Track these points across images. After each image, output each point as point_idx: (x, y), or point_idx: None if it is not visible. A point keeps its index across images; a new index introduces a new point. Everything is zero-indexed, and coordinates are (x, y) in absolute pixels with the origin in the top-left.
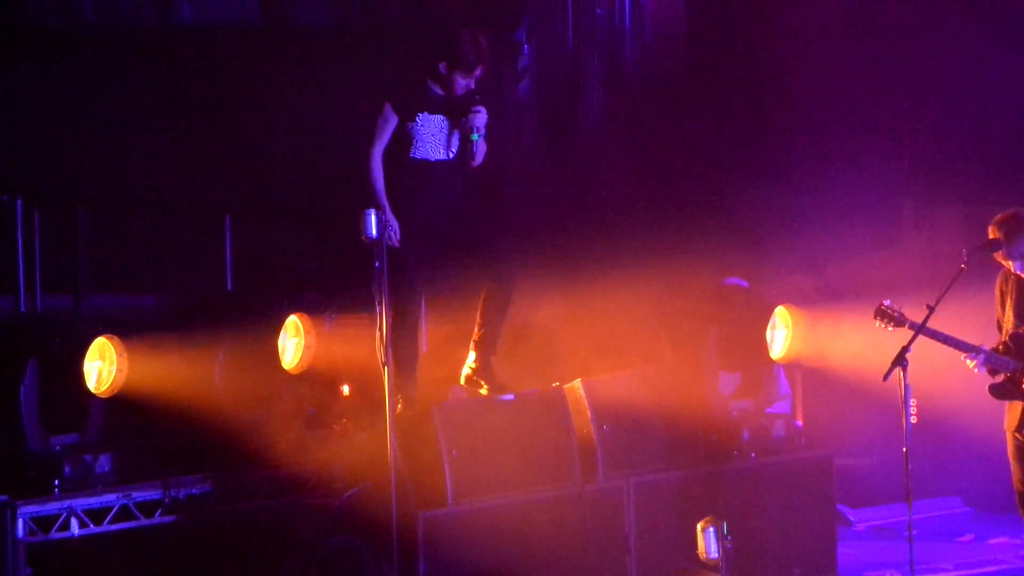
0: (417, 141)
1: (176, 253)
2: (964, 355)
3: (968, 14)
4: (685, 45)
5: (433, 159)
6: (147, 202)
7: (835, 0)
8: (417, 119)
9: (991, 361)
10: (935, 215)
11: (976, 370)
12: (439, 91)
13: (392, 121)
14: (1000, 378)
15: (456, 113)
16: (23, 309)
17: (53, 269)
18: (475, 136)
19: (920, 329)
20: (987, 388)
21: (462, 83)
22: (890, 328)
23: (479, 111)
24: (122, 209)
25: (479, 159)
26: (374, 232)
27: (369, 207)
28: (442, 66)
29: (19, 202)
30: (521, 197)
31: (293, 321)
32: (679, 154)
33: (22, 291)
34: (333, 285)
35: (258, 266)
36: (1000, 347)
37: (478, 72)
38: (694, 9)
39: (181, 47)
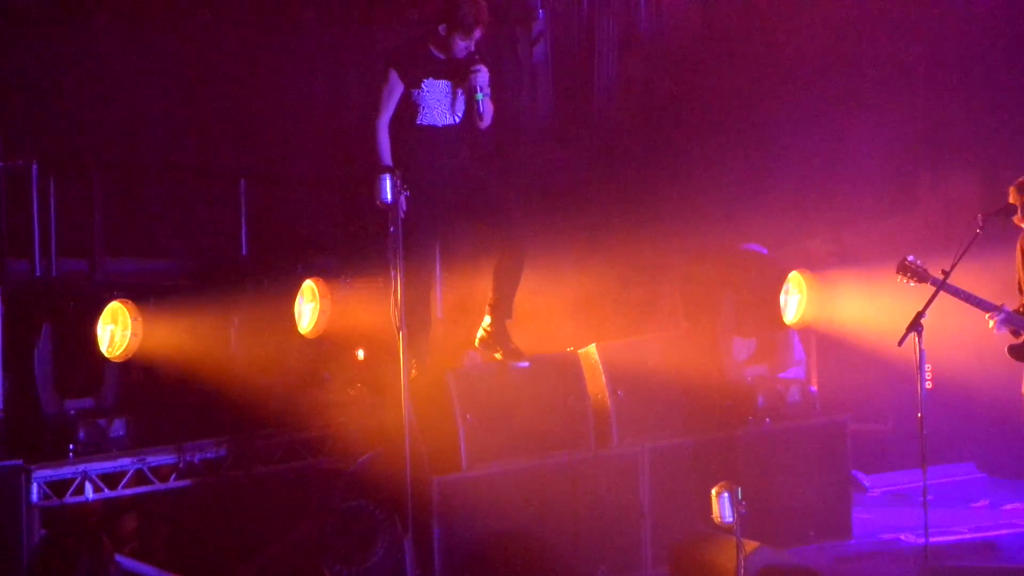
0: (423, 107)
1: (191, 218)
2: (987, 314)
3: None
4: (700, 8)
5: (440, 124)
6: (162, 167)
7: None
8: (423, 85)
9: (1012, 321)
10: (950, 180)
11: (996, 330)
12: (441, 55)
13: (398, 89)
14: (1021, 339)
15: (459, 76)
16: (38, 273)
17: (68, 234)
18: (479, 96)
19: (942, 285)
20: (1006, 349)
21: (462, 45)
22: (912, 283)
23: (479, 69)
24: (137, 174)
25: (487, 119)
26: (389, 196)
27: (383, 172)
28: (442, 28)
29: (34, 167)
30: (537, 161)
31: (308, 285)
32: (694, 118)
33: (37, 255)
34: (348, 249)
35: (273, 230)
36: (1021, 308)
37: (477, 33)
38: None
39: (196, 10)
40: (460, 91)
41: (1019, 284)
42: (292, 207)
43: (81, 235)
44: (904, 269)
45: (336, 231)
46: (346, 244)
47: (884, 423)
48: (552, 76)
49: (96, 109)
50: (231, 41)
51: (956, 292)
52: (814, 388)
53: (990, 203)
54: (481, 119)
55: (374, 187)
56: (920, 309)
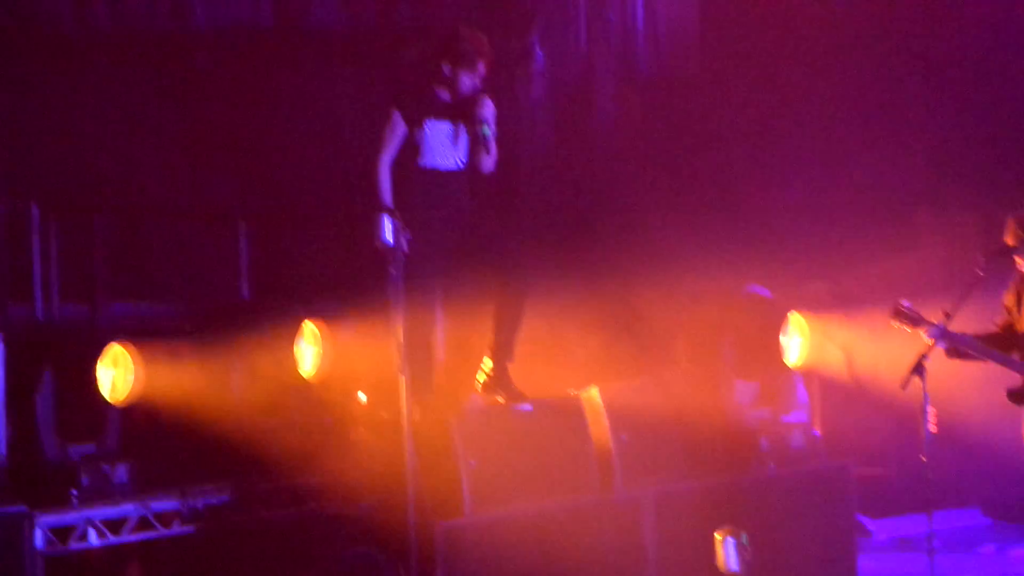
0: (425, 149)
1: (191, 260)
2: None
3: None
4: (698, 46)
5: (442, 168)
6: (162, 209)
7: (849, 3)
8: (425, 126)
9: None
10: (952, 221)
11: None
12: (445, 96)
13: (400, 129)
14: (1019, 383)
15: (464, 115)
16: (40, 317)
17: (69, 277)
18: (486, 130)
19: (942, 334)
20: (1005, 393)
21: (467, 81)
22: (907, 329)
23: (485, 103)
24: (137, 216)
25: (491, 163)
26: (389, 238)
27: (383, 213)
28: (446, 67)
29: (35, 209)
30: (535, 200)
31: (310, 328)
32: (693, 157)
33: (38, 299)
34: (349, 292)
35: (274, 273)
36: (998, 327)
37: (481, 68)
38: (707, 10)
39: (195, 51)
40: (463, 132)
41: (1009, 326)
42: (292, 249)
43: (82, 278)
44: (898, 315)
45: (337, 273)
46: (347, 286)
47: (888, 467)
48: (551, 115)
49: (96, 152)
50: (229, 83)
51: (954, 338)
52: (818, 432)
53: (992, 244)
54: (488, 153)
55: (373, 228)
56: (923, 352)
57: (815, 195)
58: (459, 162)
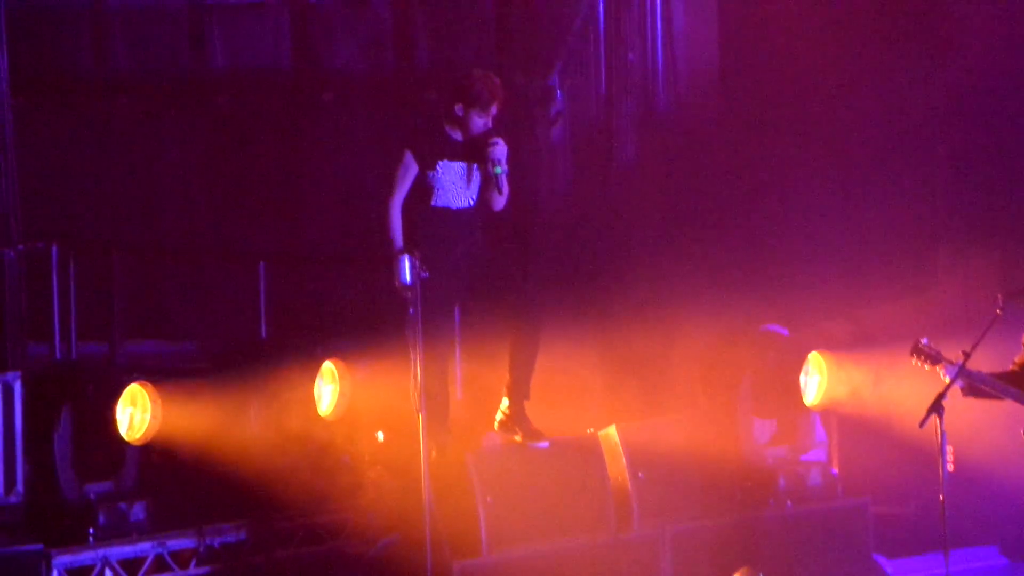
0: (438, 189)
1: (210, 300)
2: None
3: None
4: (718, 89)
5: (454, 207)
6: (181, 249)
7: (868, 44)
8: (438, 167)
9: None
10: (970, 260)
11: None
12: (458, 136)
13: (412, 170)
14: None
15: (475, 155)
16: (58, 356)
17: (88, 316)
18: (498, 170)
19: (959, 372)
20: (1021, 432)
21: (479, 122)
22: (926, 367)
23: (497, 142)
24: (156, 256)
25: (503, 199)
26: (408, 278)
27: (401, 253)
28: (458, 108)
29: (54, 249)
30: (553, 241)
31: (328, 367)
32: (713, 199)
33: (57, 338)
34: (367, 331)
35: (292, 312)
36: (1017, 367)
37: (494, 109)
38: (727, 53)
39: (214, 93)
40: (476, 172)
41: None
42: (311, 289)
43: (101, 318)
44: (918, 352)
45: (355, 313)
46: (365, 326)
47: (906, 506)
48: (570, 156)
49: (115, 191)
50: (250, 123)
51: (972, 376)
52: (835, 470)
53: (1011, 283)
54: (500, 193)
55: (393, 269)
56: (941, 390)
57: (834, 235)
58: (471, 201)
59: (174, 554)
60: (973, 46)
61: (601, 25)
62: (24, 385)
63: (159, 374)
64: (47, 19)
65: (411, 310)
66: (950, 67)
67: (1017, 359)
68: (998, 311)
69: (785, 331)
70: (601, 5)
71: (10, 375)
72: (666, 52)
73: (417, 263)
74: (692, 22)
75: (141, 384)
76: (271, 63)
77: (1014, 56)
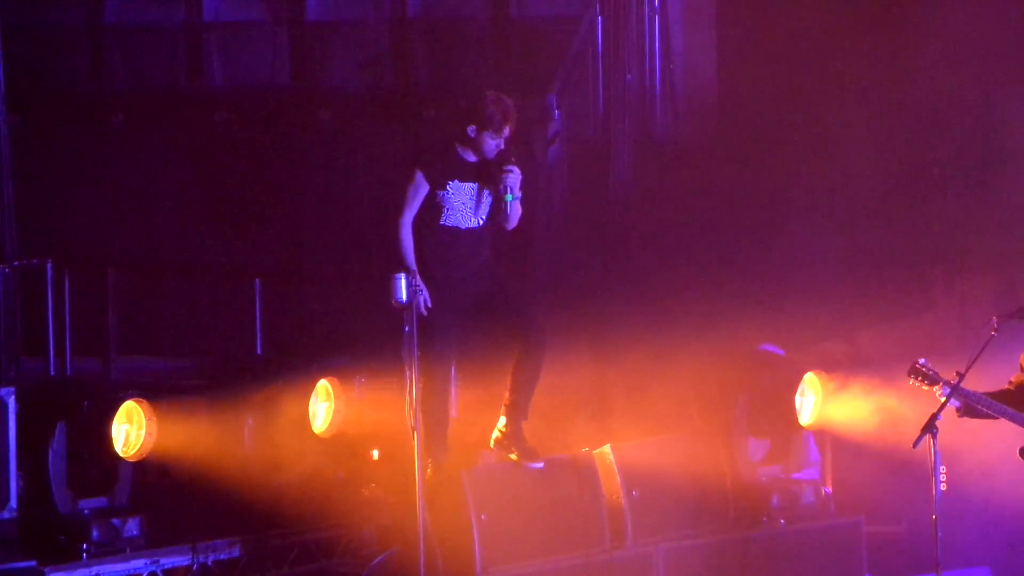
0: (447, 209)
1: (206, 317)
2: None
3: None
4: (716, 110)
5: (463, 227)
6: (176, 266)
7: (864, 67)
8: (448, 187)
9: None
10: (966, 281)
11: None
12: (470, 157)
13: (423, 189)
14: None
15: (488, 177)
16: (52, 372)
17: (82, 333)
18: (509, 197)
19: (954, 390)
20: (1018, 451)
21: (492, 144)
22: (924, 387)
23: (512, 170)
24: (151, 273)
25: (513, 222)
26: (404, 296)
27: (399, 271)
28: (471, 129)
29: (49, 266)
30: (552, 262)
31: (323, 385)
32: (709, 218)
33: (52, 354)
34: (363, 349)
35: (288, 330)
36: (1011, 386)
37: (507, 131)
38: (724, 74)
39: (212, 110)
40: (486, 193)
41: (1022, 368)
42: (307, 306)
43: (95, 334)
44: (915, 372)
45: (351, 331)
46: (361, 344)
47: (898, 525)
48: (568, 176)
49: (111, 208)
50: (246, 141)
51: (968, 396)
52: (828, 489)
53: (1005, 304)
54: (507, 221)
55: (389, 287)
56: (935, 411)
57: (831, 255)
58: (480, 221)
59: (168, 571)
60: (968, 63)
61: (599, 46)
62: (18, 401)
63: (154, 391)
64: (45, 36)
65: (407, 328)
66: (947, 92)
67: (1014, 379)
68: (993, 332)
69: (781, 351)
70: (599, 26)
71: (4, 391)
72: (664, 73)
73: (414, 282)
74: (690, 44)
75: (136, 401)
76: (269, 81)
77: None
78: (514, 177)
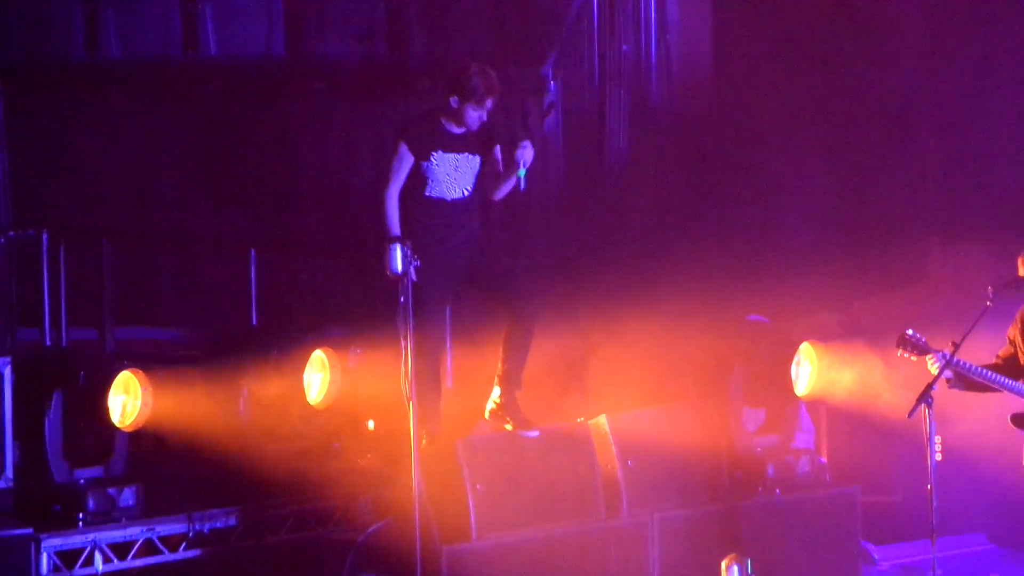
0: (432, 180)
1: (201, 287)
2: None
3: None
4: (711, 80)
5: (449, 198)
6: (172, 236)
7: (861, 37)
8: (432, 158)
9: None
10: (961, 251)
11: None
12: (454, 128)
13: (408, 160)
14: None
15: (471, 146)
16: (48, 342)
17: (78, 303)
18: (522, 172)
19: (948, 361)
20: (1009, 418)
21: (474, 115)
22: (913, 357)
23: (525, 145)
24: (147, 243)
25: (502, 194)
26: (399, 266)
27: (393, 242)
28: (454, 100)
29: (44, 236)
30: (547, 232)
31: (318, 356)
32: (704, 189)
33: (47, 325)
34: (358, 320)
35: (283, 300)
36: (999, 360)
37: (489, 103)
38: (720, 44)
39: (207, 81)
40: (471, 163)
41: (1013, 356)
42: (302, 277)
43: (91, 304)
44: (904, 343)
45: (346, 301)
46: (356, 314)
47: (894, 494)
48: (563, 147)
49: (106, 178)
50: (242, 111)
51: (961, 366)
52: (824, 459)
53: (1002, 274)
54: (498, 192)
55: (384, 257)
56: (930, 381)
57: (826, 226)
58: (465, 192)
59: (164, 539)
60: (964, 41)
61: (595, 16)
62: (14, 371)
63: (150, 361)
64: (39, 7)
65: (402, 299)
66: (943, 63)
67: (1001, 352)
68: (988, 303)
69: (766, 320)
70: None
71: (0, 361)
72: (660, 43)
73: (408, 252)
74: (686, 14)
75: (133, 371)
76: (264, 52)
77: (1004, 49)
78: (529, 152)
